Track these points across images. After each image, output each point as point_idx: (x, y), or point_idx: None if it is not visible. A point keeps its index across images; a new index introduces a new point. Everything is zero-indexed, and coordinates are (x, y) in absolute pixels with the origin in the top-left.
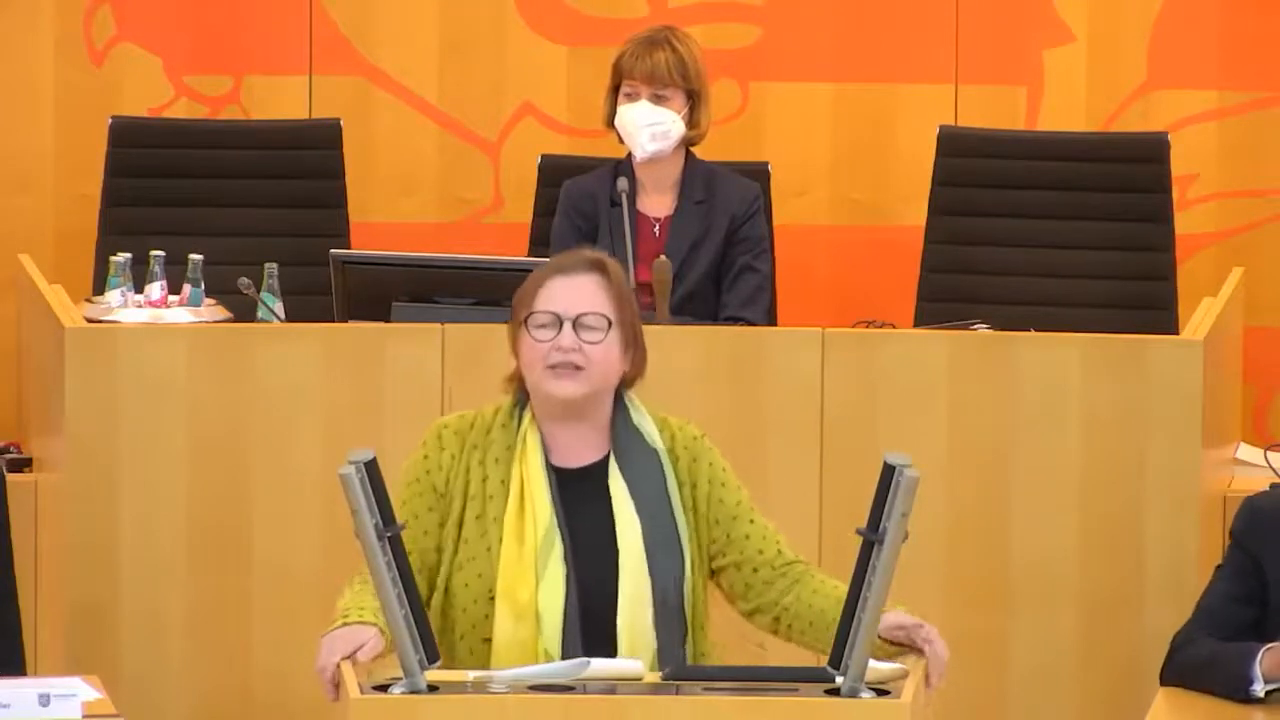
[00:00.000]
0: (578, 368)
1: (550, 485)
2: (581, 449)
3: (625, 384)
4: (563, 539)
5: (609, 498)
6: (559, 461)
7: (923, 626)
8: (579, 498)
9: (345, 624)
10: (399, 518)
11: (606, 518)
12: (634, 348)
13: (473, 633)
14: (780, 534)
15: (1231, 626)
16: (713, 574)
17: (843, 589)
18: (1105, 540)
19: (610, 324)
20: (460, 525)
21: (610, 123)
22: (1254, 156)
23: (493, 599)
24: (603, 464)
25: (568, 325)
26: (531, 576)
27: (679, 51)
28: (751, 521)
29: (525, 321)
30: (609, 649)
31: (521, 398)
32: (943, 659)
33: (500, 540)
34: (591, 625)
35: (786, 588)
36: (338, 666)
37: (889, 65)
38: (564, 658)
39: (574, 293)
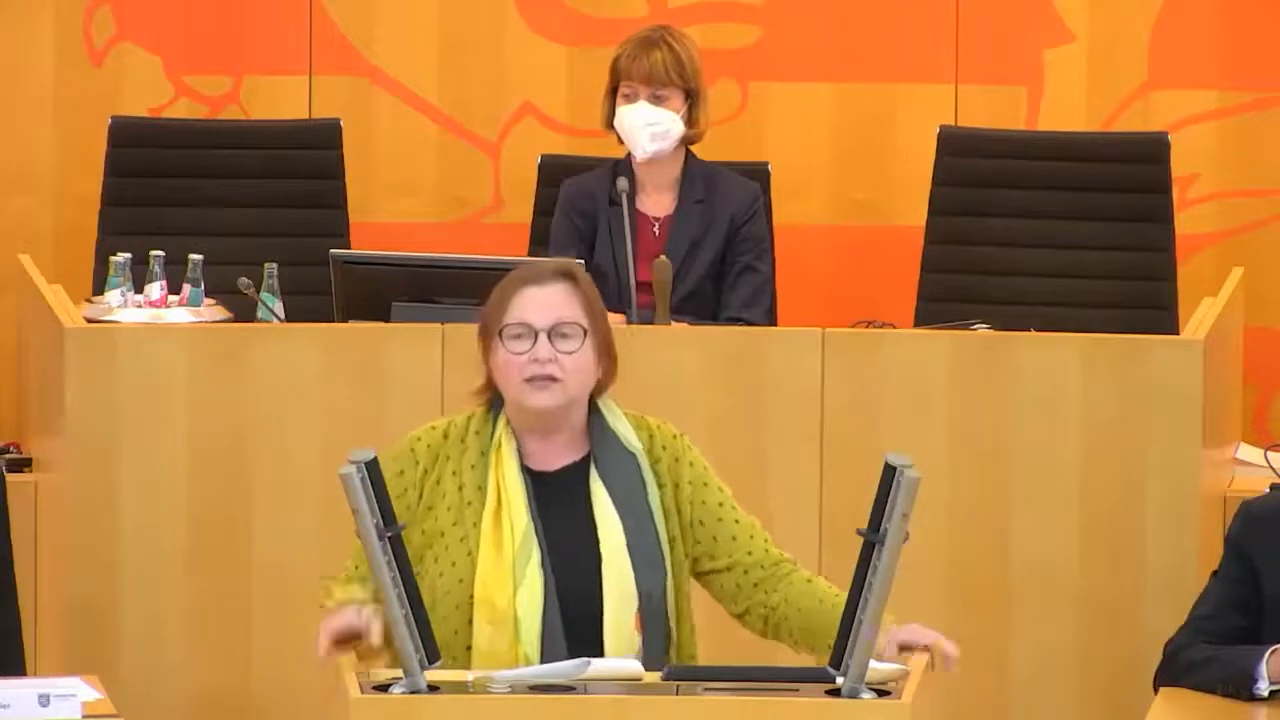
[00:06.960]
0: (554, 378)
1: (527, 490)
2: (557, 453)
3: (597, 391)
4: (540, 545)
5: (587, 501)
6: (535, 465)
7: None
8: (556, 501)
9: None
10: None
11: (586, 521)
12: (606, 356)
13: (455, 640)
14: (764, 530)
15: (1226, 634)
16: (698, 575)
17: (825, 587)
18: (1105, 540)
19: (586, 333)
20: (441, 534)
21: (609, 124)
22: (1254, 156)
23: (473, 605)
24: (579, 467)
25: (543, 336)
26: (509, 583)
27: (676, 51)
28: (737, 522)
29: (500, 334)
30: (593, 654)
31: (495, 403)
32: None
33: (478, 546)
34: (575, 630)
35: (773, 587)
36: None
37: (889, 65)
38: (545, 664)
39: (546, 303)
